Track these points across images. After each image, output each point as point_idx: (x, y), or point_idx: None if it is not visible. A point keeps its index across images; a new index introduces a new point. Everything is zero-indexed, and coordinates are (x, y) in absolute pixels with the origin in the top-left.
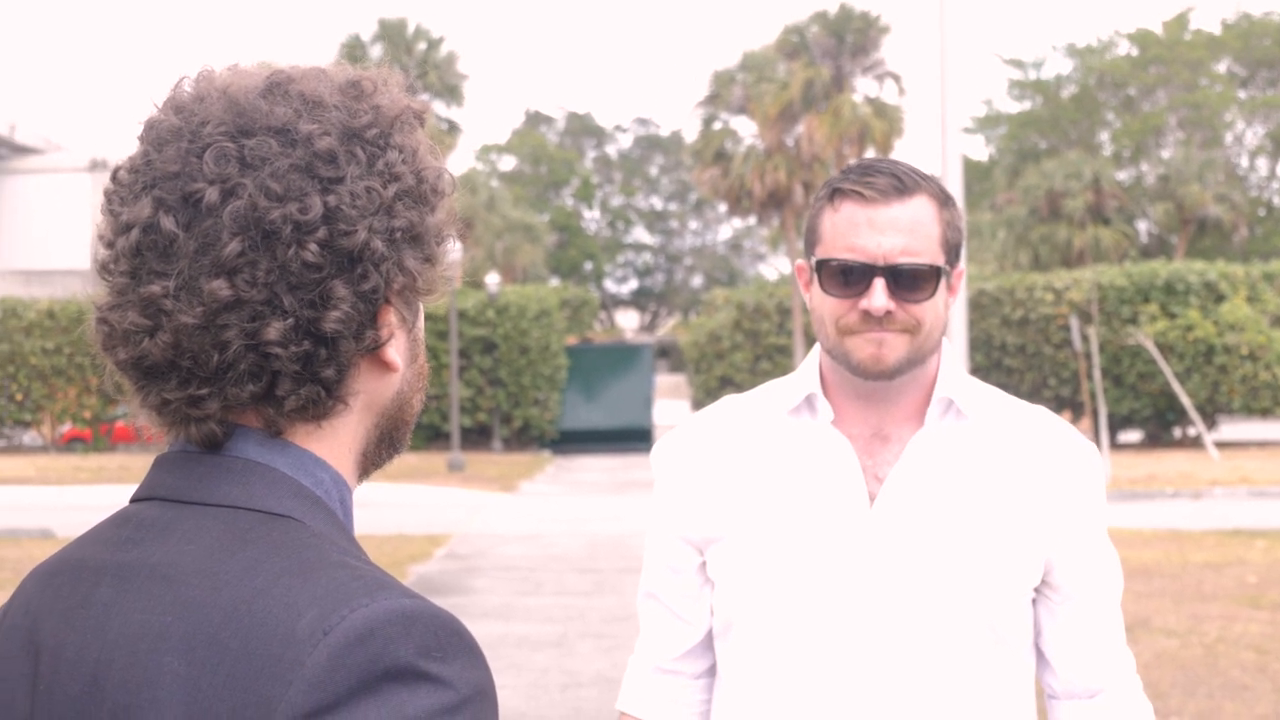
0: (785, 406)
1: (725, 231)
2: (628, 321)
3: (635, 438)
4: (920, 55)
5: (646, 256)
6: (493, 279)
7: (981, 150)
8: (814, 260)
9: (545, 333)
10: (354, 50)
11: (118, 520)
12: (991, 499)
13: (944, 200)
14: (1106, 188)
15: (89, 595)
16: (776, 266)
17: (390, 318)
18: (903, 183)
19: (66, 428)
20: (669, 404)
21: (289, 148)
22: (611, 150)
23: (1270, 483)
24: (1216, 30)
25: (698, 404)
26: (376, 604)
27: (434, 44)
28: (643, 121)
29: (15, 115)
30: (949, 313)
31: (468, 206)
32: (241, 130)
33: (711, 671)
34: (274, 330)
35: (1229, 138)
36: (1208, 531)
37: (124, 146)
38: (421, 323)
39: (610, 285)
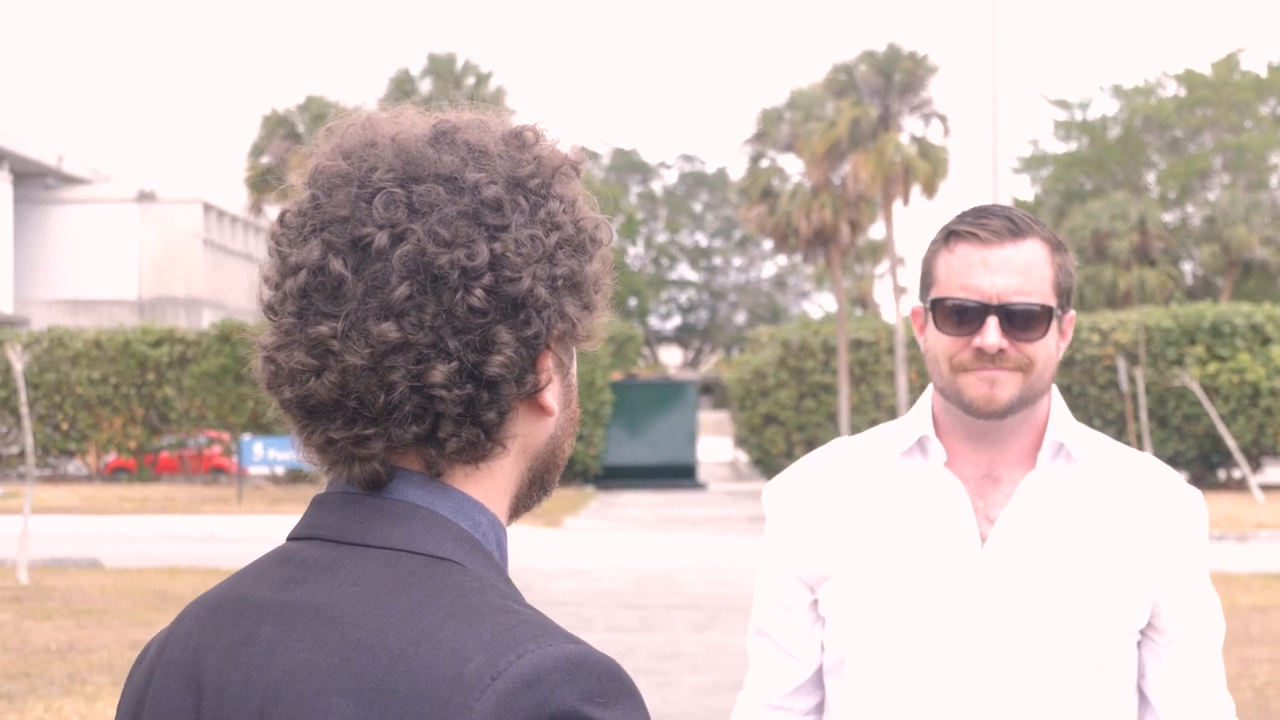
0: (898, 448)
1: (769, 268)
2: (671, 358)
3: (679, 474)
4: (966, 95)
5: (690, 293)
6: None
7: (1027, 190)
8: (929, 300)
9: (590, 368)
10: (403, 84)
11: (279, 558)
12: (1100, 542)
13: (1056, 245)
14: (1152, 229)
15: (253, 632)
16: (821, 304)
17: (549, 363)
18: (1016, 225)
19: (111, 457)
20: (712, 441)
21: (456, 195)
22: (656, 186)
23: None
24: (1263, 72)
25: (741, 441)
26: (542, 650)
27: (483, 79)
28: (688, 158)
29: (63, 145)
30: (1060, 354)
31: None
32: (410, 177)
33: (819, 708)
34: (439, 373)
35: (1275, 180)
36: (1255, 574)
37: (172, 178)
38: (574, 368)
39: (654, 321)
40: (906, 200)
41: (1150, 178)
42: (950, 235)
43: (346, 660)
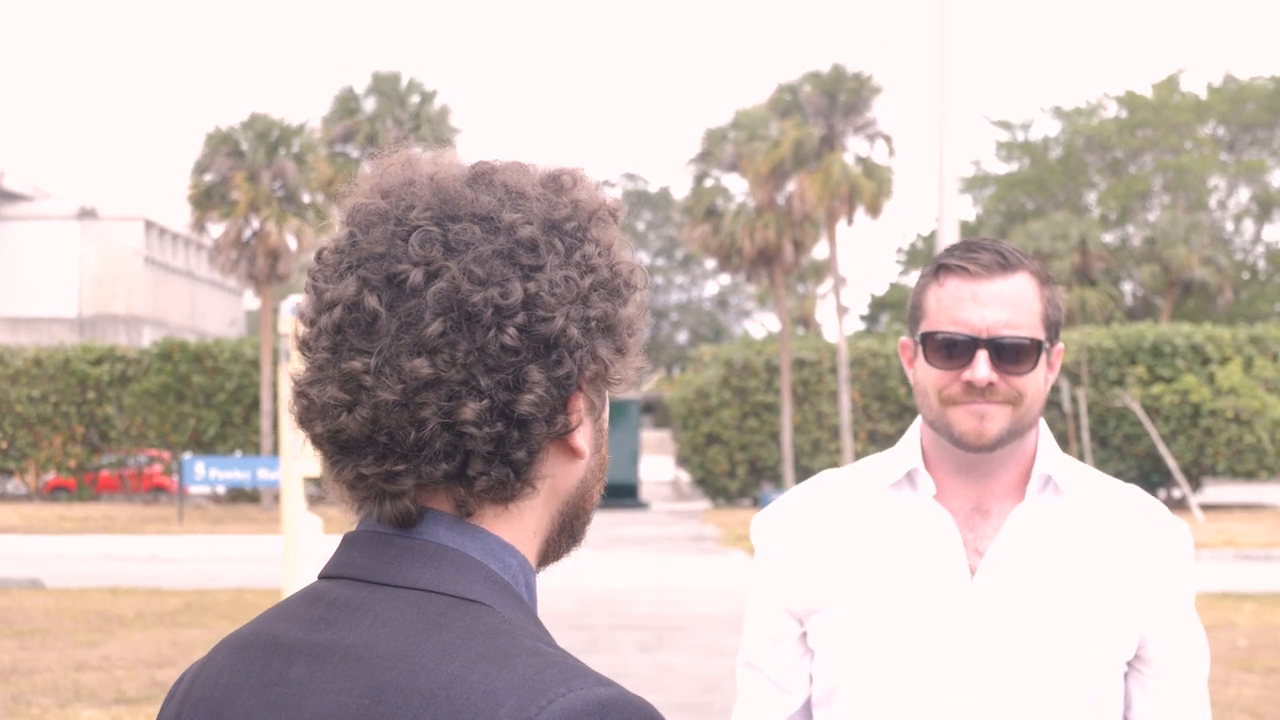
0: (887, 480)
1: (712, 288)
2: None
3: (621, 493)
4: (910, 115)
5: None
6: None
7: (969, 211)
8: (919, 334)
9: None
10: (348, 102)
11: (309, 598)
12: (1088, 574)
13: (1045, 279)
14: (1093, 249)
15: (283, 672)
16: (763, 323)
17: (580, 404)
18: (1006, 259)
19: (51, 476)
20: (654, 460)
21: (492, 235)
22: None
23: (1256, 546)
24: (1203, 94)
25: (683, 460)
26: (573, 694)
27: (427, 97)
28: (631, 176)
29: (3, 162)
30: (1048, 387)
31: None
32: (447, 216)
33: None
34: (470, 410)
35: (1214, 201)
36: (1197, 594)
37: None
38: (606, 414)
39: None
40: (851, 220)
41: (1091, 198)
42: (940, 269)
43: (377, 702)
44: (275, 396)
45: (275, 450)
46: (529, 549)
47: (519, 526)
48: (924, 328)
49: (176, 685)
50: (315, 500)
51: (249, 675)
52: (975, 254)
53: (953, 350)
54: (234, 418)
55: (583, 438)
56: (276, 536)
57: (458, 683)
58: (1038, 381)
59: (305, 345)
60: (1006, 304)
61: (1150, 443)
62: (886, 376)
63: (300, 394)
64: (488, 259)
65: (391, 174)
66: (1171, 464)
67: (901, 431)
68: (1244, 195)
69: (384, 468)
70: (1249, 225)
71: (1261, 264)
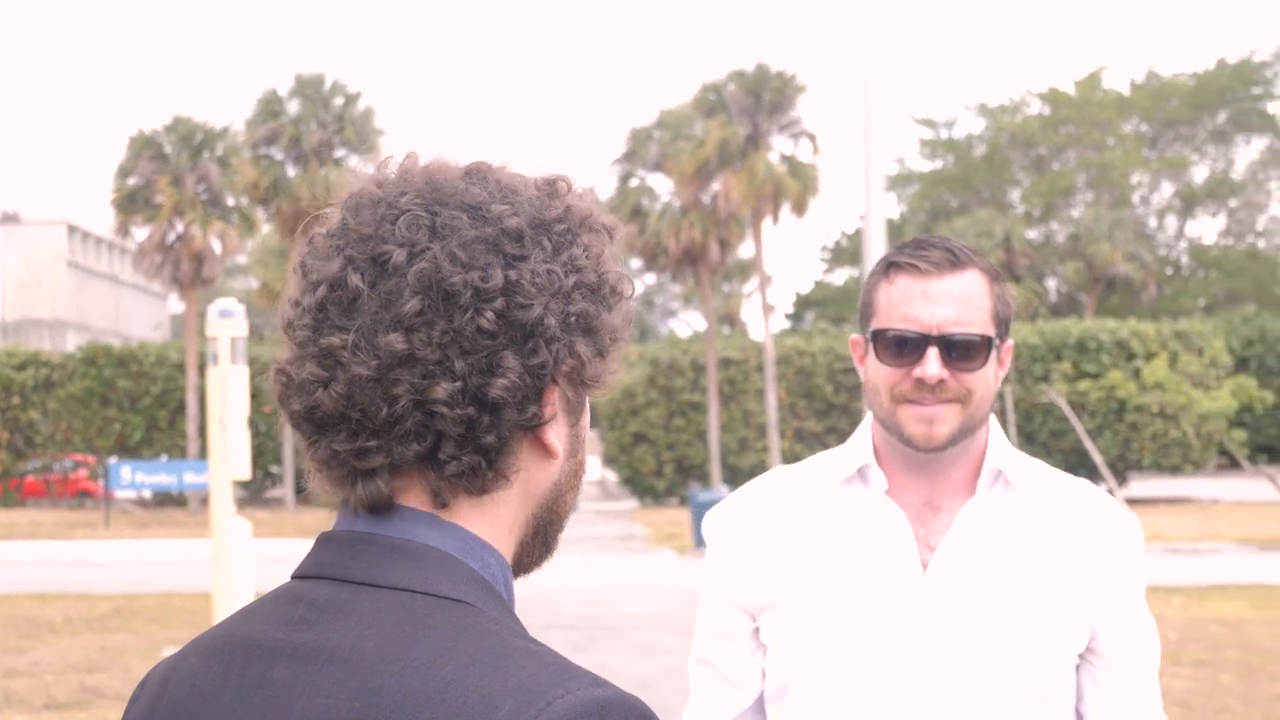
0: (838, 476)
1: (637, 287)
2: None
3: None
4: (835, 113)
5: None
6: None
7: (894, 208)
8: (870, 331)
9: None
10: (271, 105)
11: (286, 598)
12: (1040, 567)
13: (994, 276)
14: (1017, 246)
15: (265, 675)
16: (689, 322)
17: (555, 398)
18: (956, 257)
19: None
20: None
21: (479, 223)
22: None
23: (1183, 539)
24: (1126, 90)
25: (610, 460)
26: (571, 695)
27: (351, 99)
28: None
29: None
30: (999, 384)
31: None
32: (437, 202)
33: None
34: (442, 390)
35: (1137, 197)
36: None
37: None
38: (586, 421)
39: None
40: (776, 219)
41: (1015, 195)
42: (890, 267)
43: (369, 706)
44: (201, 400)
45: (201, 454)
46: (505, 548)
47: (494, 522)
48: (874, 325)
49: (142, 687)
50: (243, 504)
51: (227, 678)
52: (925, 251)
53: (903, 347)
54: (159, 422)
55: (556, 436)
56: (204, 540)
57: (453, 686)
58: (988, 378)
59: (289, 326)
60: (956, 301)
61: (1076, 438)
62: (812, 374)
63: (280, 371)
64: (471, 244)
65: (388, 166)
66: (1097, 459)
67: (828, 429)
68: (1167, 191)
69: (355, 444)
70: (1172, 221)
71: (1184, 259)
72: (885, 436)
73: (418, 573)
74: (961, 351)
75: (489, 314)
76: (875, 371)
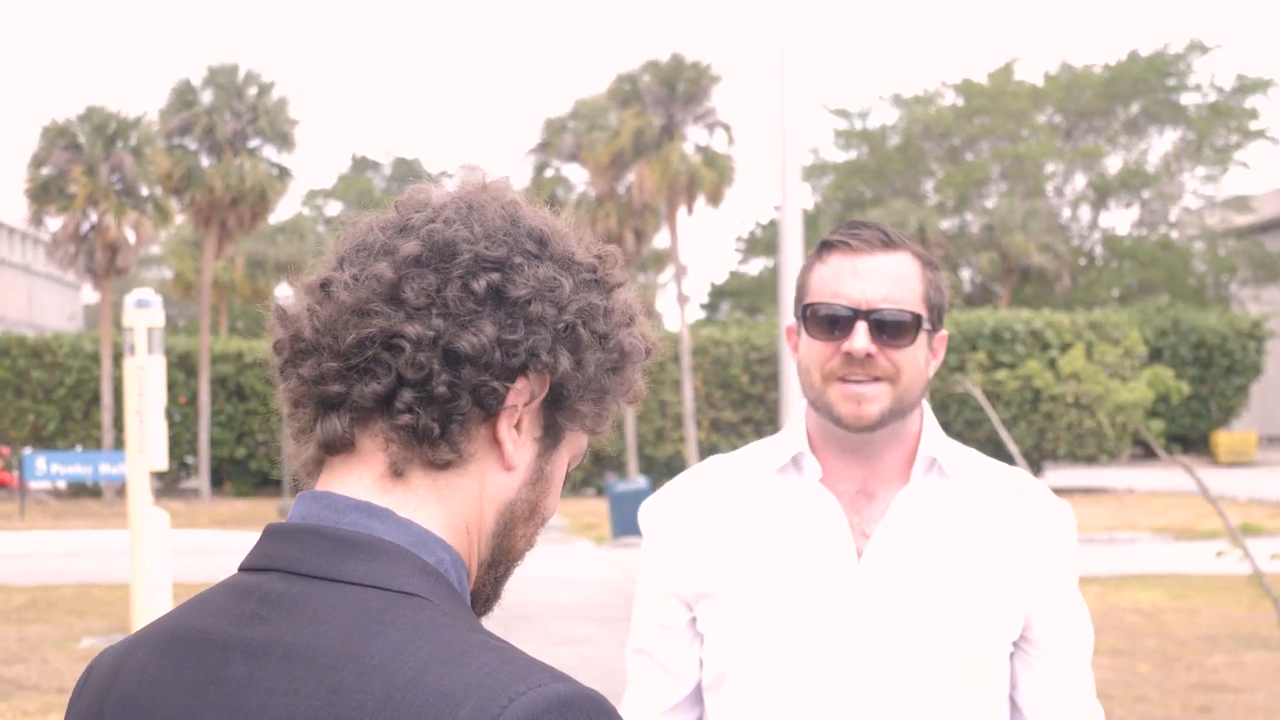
0: (773, 465)
1: None
2: None
3: None
4: (750, 104)
5: None
6: None
7: (808, 199)
8: (801, 307)
9: None
10: (185, 95)
11: (237, 591)
12: (974, 555)
13: (928, 262)
14: (931, 237)
15: (218, 671)
16: None
17: (521, 399)
18: (889, 237)
19: None
20: None
21: (509, 223)
22: None
23: (1099, 529)
24: (1040, 81)
25: None
26: (532, 691)
27: (265, 89)
28: (470, 168)
29: None
30: (929, 371)
31: (296, 253)
32: (477, 204)
33: None
34: (412, 330)
35: (1051, 188)
36: None
37: None
38: (559, 466)
39: None
40: (691, 209)
41: (929, 186)
42: (824, 246)
43: (329, 704)
44: (116, 391)
45: (116, 445)
46: (462, 548)
47: (450, 513)
48: (807, 301)
49: (86, 677)
50: (159, 495)
51: (180, 673)
52: (858, 231)
53: (833, 323)
54: (74, 413)
55: (514, 444)
56: (120, 531)
57: (413, 685)
58: (917, 359)
59: (306, 276)
60: (886, 279)
61: (991, 428)
62: (728, 365)
63: (278, 307)
64: (493, 228)
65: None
66: (1013, 448)
67: (744, 419)
68: (1080, 182)
69: (319, 369)
70: (1085, 212)
71: (1098, 250)
72: (818, 422)
73: (370, 567)
74: (891, 329)
75: (482, 280)
76: (807, 350)
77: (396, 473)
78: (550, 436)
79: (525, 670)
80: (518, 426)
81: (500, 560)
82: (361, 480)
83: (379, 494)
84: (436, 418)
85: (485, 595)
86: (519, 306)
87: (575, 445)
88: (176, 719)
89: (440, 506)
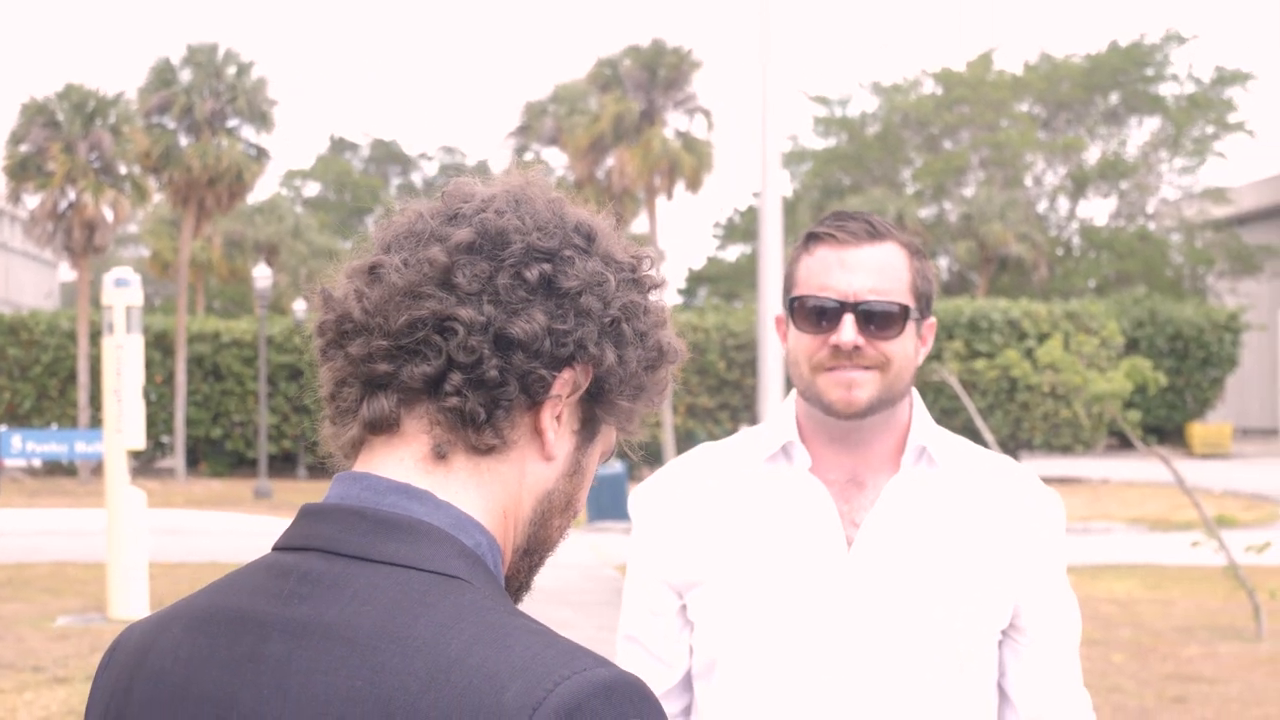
0: (763, 454)
1: None
2: None
3: None
4: (730, 90)
5: None
6: (299, 305)
7: (787, 186)
8: (789, 300)
9: None
10: (164, 74)
11: (274, 570)
12: (963, 544)
13: (915, 251)
14: (910, 225)
15: (256, 649)
16: None
17: (567, 389)
18: (875, 228)
19: None
20: None
21: (559, 219)
22: (417, 178)
23: (1074, 519)
24: (1019, 71)
25: None
26: (577, 676)
27: (244, 68)
28: (448, 150)
29: None
30: (918, 359)
31: (274, 233)
32: (525, 199)
33: (688, 711)
34: (465, 313)
35: (1029, 178)
36: None
37: None
38: (592, 460)
39: None
40: (670, 194)
41: (908, 174)
42: (810, 238)
43: (372, 684)
44: (92, 369)
45: (92, 423)
46: (499, 533)
47: (489, 498)
48: (794, 294)
49: (111, 654)
50: (135, 474)
51: (214, 650)
52: (844, 223)
53: (821, 315)
54: (50, 391)
55: (556, 434)
56: (96, 510)
57: (457, 666)
58: (905, 348)
59: (350, 261)
60: (872, 270)
61: (967, 417)
62: (705, 350)
63: (323, 290)
64: (543, 219)
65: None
66: (989, 437)
67: (721, 405)
68: (1059, 172)
69: (369, 348)
70: (1063, 202)
71: (1076, 240)
72: (808, 411)
73: (411, 548)
74: (878, 320)
75: (535, 270)
76: (796, 342)
77: (439, 455)
78: (587, 430)
79: (569, 655)
80: (558, 418)
81: (535, 549)
82: (403, 461)
83: (420, 475)
84: (484, 402)
85: (518, 583)
86: (569, 298)
87: (606, 441)
88: (212, 697)
89: (480, 491)
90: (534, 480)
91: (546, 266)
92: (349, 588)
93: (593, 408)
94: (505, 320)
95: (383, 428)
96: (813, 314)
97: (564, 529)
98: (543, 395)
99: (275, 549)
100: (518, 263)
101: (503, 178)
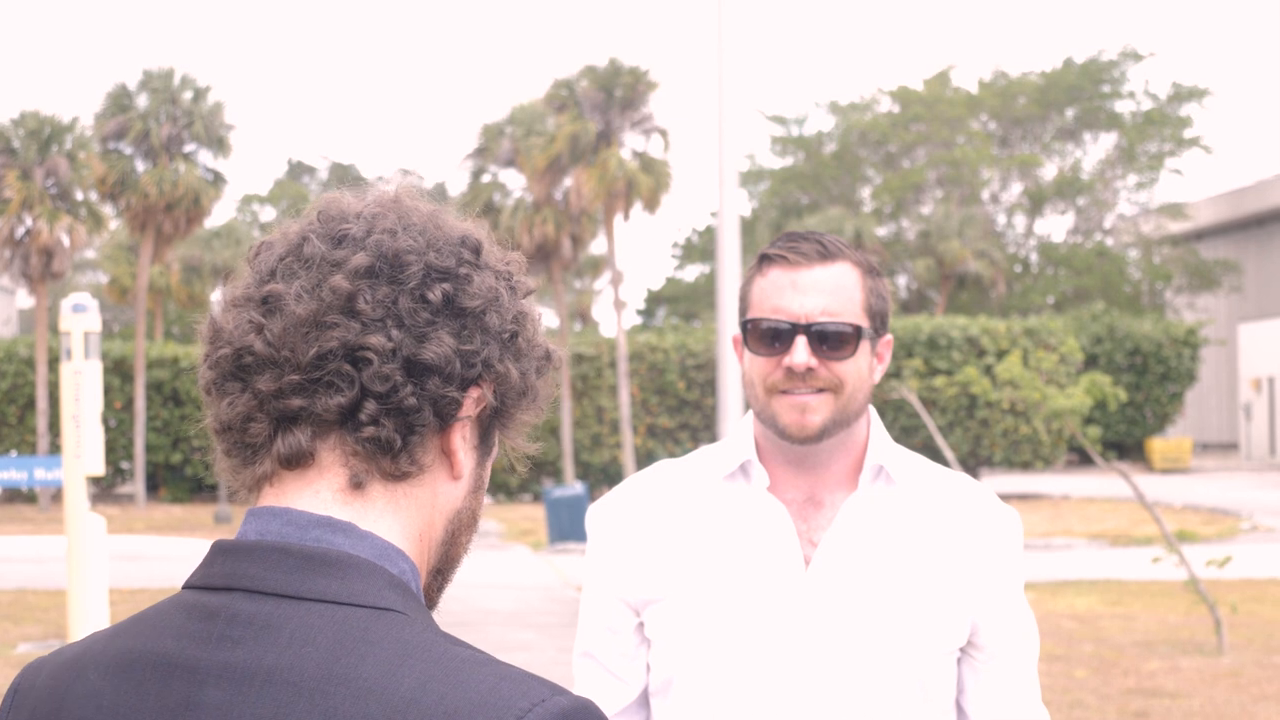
0: (721, 472)
1: None
2: None
3: None
4: (687, 110)
5: None
6: None
7: (745, 205)
8: (742, 322)
9: None
10: (120, 99)
11: (197, 612)
12: (921, 562)
13: (868, 269)
14: (868, 243)
15: (191, 697)
16: (542, 319)
17: (475, 403)
18: (826, 248)
19: None
20: None
21: (444, 233)
22: None
23: (1035, 535)
24: (974, 89)
25: None
26: (538, 708)
27: (201, 93)
28: (406, 172)
29: None
30: (874, 377)
31: (232, 258)
32: (406, 213)
33: None
34: (374, 341)
35: (986, 194)
36: None
37: None
38: (488, 472)
39: None
40: (628, 215)
41: (865, 192)
42: (763, 259)
43: None
44: (51, 395)
45: (51, 450)
46: (417, 558)
47: (406, 524)
48: (748, 316)
49: (12, 698)
50: (94, 500)
51: (143, 699)
52: (796, 244)
53: (774, 337)
54: (8, 417)
55: (464, 452)
56: (56, 537)
57: (413, 706)
58: (860, 369)
59: (234, 289)
60: (825, 291)
61: (927, 434)
62: (665, 370)
63: (212, 320)
64: (434, 238)
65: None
66: (949, 455)
67: (681, 425)
68: (1016, 189)
69: (279, 383)
70: (1020, 219)
71: (1034, 257)
72: (764, 431)
73: (341, 583)
74: (831, 341)
75: (437, 290)
76: (751, 364)
77: (356, 485)
78: (485, 444)
79: (524, 685)
80: (464, 437)
81: (445, 567)
82: (319, 494)
83: (340, 507)
84: (399, 429)
85: (431, 603)
86: (473, 316)
87: (495, 452)
88: None
89: (398, 517)
90: (444, 500)
91: (447, 286)
92: (284, 629)
93: (490, 422)
94: (414, 345)
95: (297, 462)
96: (766, 336)
97: (469, 544)
98: (454, 417)
99: (190, 588)
100: (419, 285)
101: (372, 189)
